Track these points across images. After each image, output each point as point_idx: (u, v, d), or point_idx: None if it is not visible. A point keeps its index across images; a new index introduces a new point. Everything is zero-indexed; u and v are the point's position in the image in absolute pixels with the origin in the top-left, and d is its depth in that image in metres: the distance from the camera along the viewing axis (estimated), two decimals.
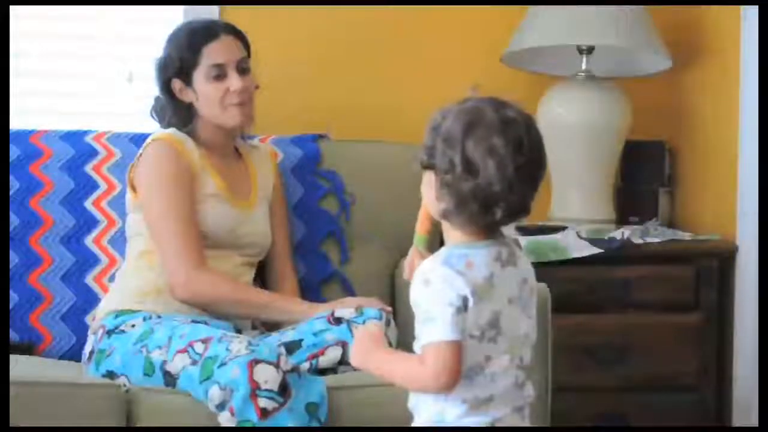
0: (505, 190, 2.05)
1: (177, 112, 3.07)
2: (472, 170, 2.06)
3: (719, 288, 3.58)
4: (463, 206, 2.07)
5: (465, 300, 2.05)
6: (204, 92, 3.03)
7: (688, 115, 3.93)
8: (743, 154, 3.60)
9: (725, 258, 3.60)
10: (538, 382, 2.84)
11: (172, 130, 3.06)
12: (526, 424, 2.15)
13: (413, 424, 2.17)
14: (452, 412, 2.10)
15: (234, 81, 3.01)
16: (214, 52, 3.02)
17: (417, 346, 2.09)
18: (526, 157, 2.07)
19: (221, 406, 2.58)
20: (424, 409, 2.13)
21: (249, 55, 3.09)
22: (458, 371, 2.05)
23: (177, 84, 3.05)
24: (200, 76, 3.02)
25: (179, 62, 3.03)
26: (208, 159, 3.05)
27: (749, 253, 3.55)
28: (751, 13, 3.58)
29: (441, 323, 2.04)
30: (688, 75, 3.91)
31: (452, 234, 2.13)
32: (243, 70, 3.05)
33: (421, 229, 2.32)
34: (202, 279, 2.92)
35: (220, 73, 3.02)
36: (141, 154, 3.03)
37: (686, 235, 3.66)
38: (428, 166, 2.12)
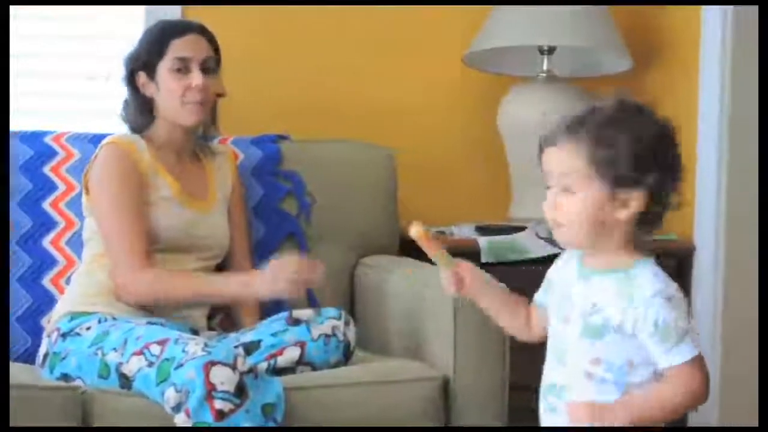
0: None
1: (139, 108, 3.07)
2: (672, 178, 2.01)
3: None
4: (651, 223, 2.05)
5: None
6: (166, 85, 3.02)
7: None
8: (701, 155, 3.63)
9: (683, 258, 3.62)
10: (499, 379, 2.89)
11: (125, 134, 3.07)
12: None
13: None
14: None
15: (196, 77, 3.01)
16: (181, 46, 3.03)
17: (665, 364, 2.00)
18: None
19: (177, 408, 2.57)
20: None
21: (218, 61, 3.10)
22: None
23: (141, 77, 3.05)
24: (164, 68, 3.03)
25: (146, 54, 3.04)
26: (162, 161, 3.05)
27: (707, 253, 3.58)
28: (711, 13, 3.60)
29: (695, 334, 1.99)
30: (648, 75, 3.93)
31: (621, 250, 2.06)
32: (207, 69, 3.05)
33: (436, 247, 2.22)
34: (140, 280, 2.92)
35: (182, 67, 3.02)
36: (94, 158, 3.04)
37: None
38: (636, 183, 2.00)
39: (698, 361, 1.98)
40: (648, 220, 2.03)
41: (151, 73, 3.05)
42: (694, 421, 3.59)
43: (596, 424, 2.02)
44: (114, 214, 2.95)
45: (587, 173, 2.01)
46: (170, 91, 3.03)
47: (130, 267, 2.92)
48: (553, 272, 2.23)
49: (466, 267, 2.23)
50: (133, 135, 3.06)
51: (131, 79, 3.08)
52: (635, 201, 2.00)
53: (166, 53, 3.03)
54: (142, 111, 3.07)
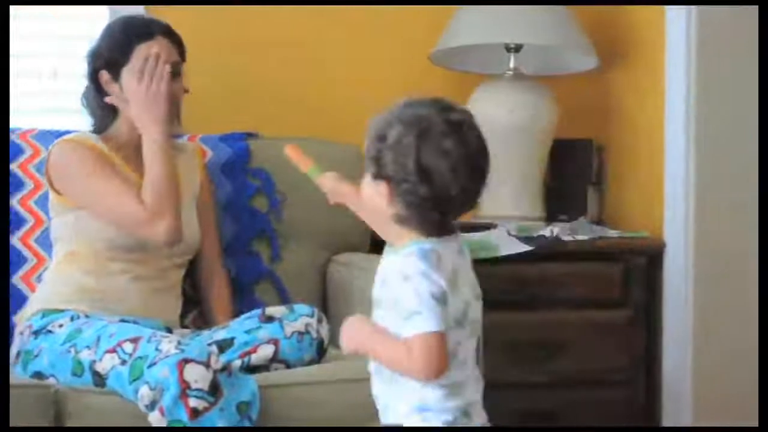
0: (459, 192, 2.13)
1: (101, 104, 3.02)
2: (427, 177, 2.12)
3: (647, 285, 3.61)
4: (421, 211, 2.15)
5: (444, 293, 2.11)
6: (130, 90, 2.97)
7: (616, 114, 3.96)
8: (670, 152, 3.64)
9: (653, 255, 3.63)
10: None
11: (80, 134, 3.03)
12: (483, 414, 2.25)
13: (385, 413, 2.23)
14: (433, 396, 2.16)
15: None
16: (146, 51, 2.97)
17: (403, 334, 2.13)
18: (476, 155, 2.15)
19: (151, 406, 2.55)
20: (404, 398, 2.18)
21: (183, 60, 3.06)
22: (446, 361, 2.13)
23: (104, 76, 3.01)
24: (128, 73, 2.98)
25: (109, 54, 2.99)
26: (124, 159, 3.01)
27: (677, 251, 3.59)
28: (675, 12, 3.62)
29: (426, 316, 2.10)
30: (614, 74, 3.94)
31: (406, 232, 2.18)
32: (173, 73, 3.00)
33: (307, 163, 2.47)
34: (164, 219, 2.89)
35: None
36: (48, 156, 2.99)
37: (614, 233, 3.69)
38: (379, 176, 2.16)
39: (419, 342, 2.11)
40: (409, 210, 2.16)
41: (114, 73, 3.00)
42: (669, 420, 3.60)
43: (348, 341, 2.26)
44: (99, 187, 2.91)
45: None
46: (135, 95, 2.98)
47: (145, 212, 2.87)
48: None
49: (329, 176, 2.43)
50: (90, 135, 3.02)
51: (94, 76, 3.03)
52: (384, 192, 2.15)
53: (131, 57, 2.98)
54: (104, 108, 3.03)
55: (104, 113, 3.03)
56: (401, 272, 2.13)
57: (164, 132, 2.92)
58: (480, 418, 2.23)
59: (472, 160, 2.14)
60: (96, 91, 3.03)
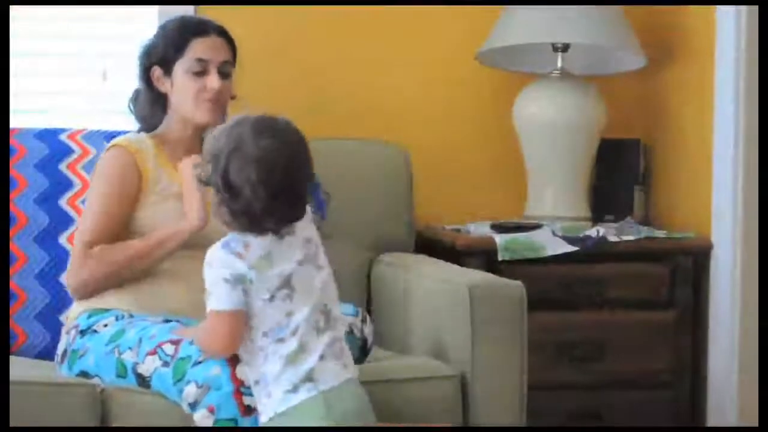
0: (266, 208, 2.44)
1: (150, 102, 3.05)
2: (234, 193, 2.44)
3: (694, 285, 3.60)
4: (236, 220, 2.47)
5: (242, 277, 2.45)
6: (181, 85, 3.00)
7: (663, 114, 3.94)
8: (718, 152, 3.62)
9: (700, 255, 3.61)
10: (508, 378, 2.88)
11: (131, 135, 3.05)
12: (350, 373, 2.51)
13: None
14: (272, 369, 2.47)
15: (213, 80, 2.98)
16: (201, 47, 3.00)
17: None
18: (280, 180, 2.44)
19: (195, 405, 2.56)
20: (251, 375, 2.50)
21: (234, 63, 3.07)
22: (233, 336, 2.48)
23: (156, 71, 3.03)
24: (181, 67, 3.00)
25: (163, 50, 3.01)
26: (170, 157, 3.03)
27: (724, 251, 3.57)
28: (726, 12, 3.59)
29: (216, 296, 2.46)
30: (663, 73, 3.92)
31: (230, 228, 2.51)
32: (224, 74, 3.02)
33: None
34: (84, 265, 2.91)
35: (201, 69, 2.99)
36: (100, 158, 3.03)
37: (661, 233, 3.67)
38: (206, 183, 2.51)
39: (211, 317, 2.48)
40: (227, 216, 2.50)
41: (167, 69, 3.02)
42: (714, 421, 3.58)
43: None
44: (89, 209, 2.96)
45: None
46: (185, 91, 3.00)
47: (78, 254, 2.92)
48: None
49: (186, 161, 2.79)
50: (139, 136, 3.05)
51: (146, 73, 3.06)
52: (215, 197, 2.49)
53: (185, 52, 3.00)
54: (153, 105, 3.05)
55: (154, 111, 3.06)
56: (207, 259, 2.49)
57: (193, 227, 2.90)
58: (332, 377, 2.47)
59: (276, 184, 2.43)
60: (147, 88, 3.06)
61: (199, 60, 2.99)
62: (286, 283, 2.48)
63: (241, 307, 2.46)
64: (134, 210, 2.96)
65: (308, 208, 2.56)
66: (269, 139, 2.45)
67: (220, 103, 3.02)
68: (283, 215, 2.47)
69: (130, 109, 3.10)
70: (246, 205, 2.43)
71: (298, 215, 2.51)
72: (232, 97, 3.08)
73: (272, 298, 2.47)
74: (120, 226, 2.94)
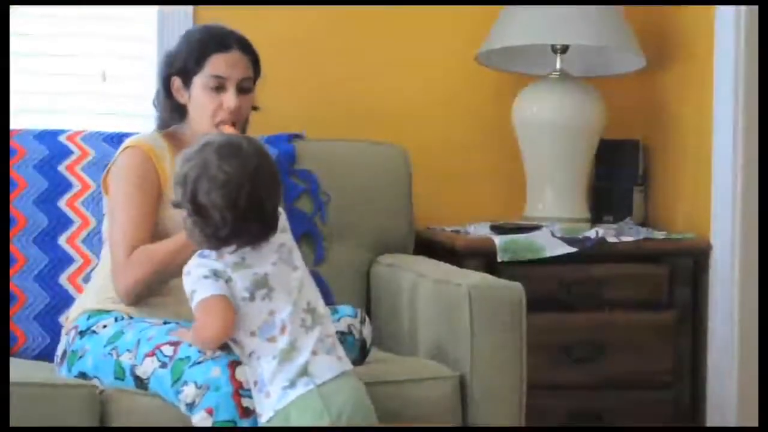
0: (235, 231, 2.49)
1: (169, 108, 3.03)
2: (203, 215, 2.49)
3: (693, 286, 3.60)
4: (208, 242, 2.52)
5: (221, 272, 2.51)
6: (198, 100, 2.97)
7: (663, 115, 3.94)
8: (717, 153, 3.62)
9: (699, 256, 3.61)
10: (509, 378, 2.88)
11: (143, 135, 3.04)
12: (344, 366, 2.55)
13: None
14: (267, 369, 2.50)
15: (230, 98, 2.95)
16: (220, 63, 2.96)
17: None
18: (246, 203, 2.48)
19: (192, 406, 2.57)
20: (251, 377, 2.53)
21: (257, 75, 3.04)
22: (224, 319, 2.50)
23: (176, 82, 3.00)
24: (199, 81, 2.96)
25: (184, 61, 2.98)
26: None
27: (723, 252, 3.57)
28: (725, 12, 3.59)
29: (200, 290, 2.49)
30: (662, 74, 3.92)
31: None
32: (243, 89, 2.98)
33: None
34: (129, 265, 2.86)
35: (218, 86, 2.96)
36: (115, 160, 3.01)
37: (660, 234, 3.68)
38: (178, 206, 2.55)
39: (200, 307, 2.51)
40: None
41: (186, 81, 2.99)
42: (713, 421, 3.58)
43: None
44: (121, 213, 2.91)
45: None
46: (202, 106, 2.96)
47: (122, 259, 2.87)
48: None
49: None
50: (152, 134, 3.04)
51: (166, 81, 3.03)
52: (186, 220, 2.54)
53: (204, 66, 2.96)
54: (172, 112, 3.04)
55: (172, 116, 3.04)
56: (185, 269, 2.54)
57: None
58: (327, 370, 2.51)
59: (242, 207, 2.47)
60: (166, 95, 3.04)
61: (217, 77, 2.96)
62: (264, 283, 2.53)
63: (226, 293, 2.50)
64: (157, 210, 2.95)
65: (282, 216, 2.60)
66: (234, 164, 2.49)
67: (236, 122, 2.98)
68: (252, 236, 2.52)
69: (154, 106, 3.09)
70: (216, 230, 2.49)
71: (269, 233, 2.55)
72: (255, 108, 3.07)
73: (252, 297, 2.52)
74: (153, 224, 2.92)
